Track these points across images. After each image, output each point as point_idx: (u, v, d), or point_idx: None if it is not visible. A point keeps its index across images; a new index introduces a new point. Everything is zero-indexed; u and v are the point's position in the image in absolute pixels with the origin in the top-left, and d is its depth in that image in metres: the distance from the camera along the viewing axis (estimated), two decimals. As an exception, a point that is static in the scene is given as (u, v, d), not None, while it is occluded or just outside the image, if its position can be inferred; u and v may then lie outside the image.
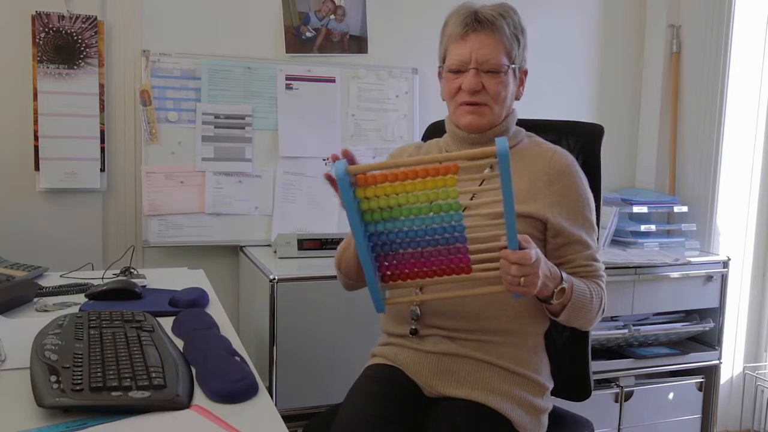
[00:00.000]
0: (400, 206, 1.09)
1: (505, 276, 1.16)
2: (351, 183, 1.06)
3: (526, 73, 1.44)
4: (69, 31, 2.18)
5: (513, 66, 1.38)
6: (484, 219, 1.17)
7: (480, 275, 1.19)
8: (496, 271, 1.18)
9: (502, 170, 1.04)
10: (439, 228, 1.11)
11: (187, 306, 1.44)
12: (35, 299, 1.50)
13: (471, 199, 1.33)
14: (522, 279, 1.15)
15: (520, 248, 1.15)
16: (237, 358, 1.11)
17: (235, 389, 0.98)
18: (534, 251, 1.15)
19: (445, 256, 1.15)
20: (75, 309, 1.42)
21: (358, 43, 2.54)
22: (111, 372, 0.96)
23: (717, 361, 2.67)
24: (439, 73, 1.47)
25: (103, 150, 2.26)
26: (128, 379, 0.94)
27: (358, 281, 1.44)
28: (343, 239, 2.24)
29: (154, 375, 0.97)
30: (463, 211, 1.11)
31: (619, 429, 2.53)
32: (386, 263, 1.18)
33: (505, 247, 1.15)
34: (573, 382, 1.59)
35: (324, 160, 2.49)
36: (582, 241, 1.37)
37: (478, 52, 1.34)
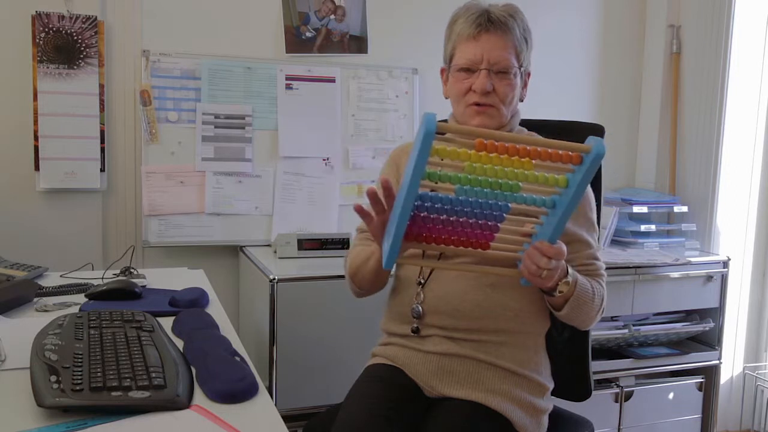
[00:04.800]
0: (468, 176, 1.06)
1: (530, 265, 1.17)
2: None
3: (529, 75, 1.44)
4: (69, 31, 2.18)
5: (521, 68, 1.39)
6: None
7: (493, 254, 1.18)
8: (510, 253, 1.19)
9: (589, 171, 1.03)
10: (485, 203, 1.09)
11: (187, 306, 1.44)
12: (35, 299, 1.50)
13: None
14: (545, 272, 1.17)
15: None
16: (237, 358, 1.11)
17: (235, 389, 0.98)
18: (565, 248, 1.17)
19: (473, 229, 1.13)
20: (75, 309, 1.42)
21: (358, 43, 2.53)
22: (111, 372, 0.96)
23: (717, 361, 2.67)
24: (442, 71, 1.47)
25: (103, 150, 2.26)
26: (128, 379, 0.94)
27: (371, 291, 1.46)
28: (344, 239, 2.26)
29: (154, 375, 0.97)
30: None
31: (619, 429, 2.53)
32: (409, 221, 1.13)
33: (530, 235, 1.16)
34: (573, 382, 1.59)
35: (324, 160, 2.49)
36: (583, 240, 1.37)
37: (490, 53, 1.34)
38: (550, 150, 1.04)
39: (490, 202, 1.09)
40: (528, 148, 1.04)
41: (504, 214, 1.11)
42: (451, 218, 1.12)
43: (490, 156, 1.04)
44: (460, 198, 1.08)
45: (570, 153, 1.04)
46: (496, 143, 1.03)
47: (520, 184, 1.07)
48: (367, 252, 1.39)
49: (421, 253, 1.32)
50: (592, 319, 1.37)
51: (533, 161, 1.04)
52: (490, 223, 1.12)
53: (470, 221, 1.12)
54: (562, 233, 1.15)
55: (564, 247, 1.17)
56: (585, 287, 1.31)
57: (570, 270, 1.27)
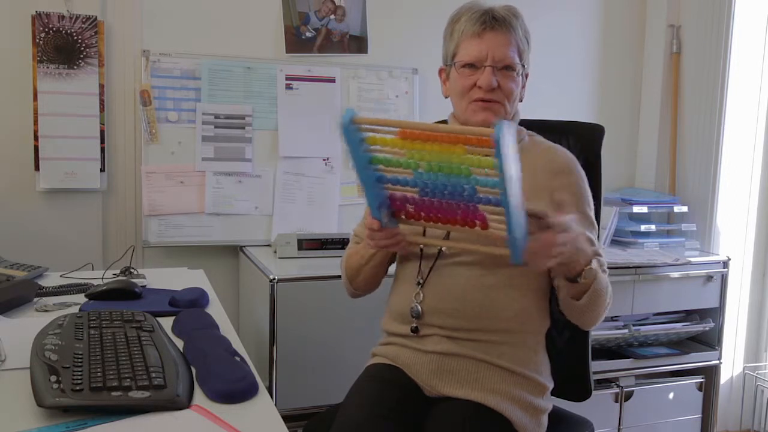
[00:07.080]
0: (408, 160, 1.12)
1: (544, 259, 1.17)
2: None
3: (527, 76, 1.45)
4: (69, 31, 2.18)
5: (524, 67, 1.40)
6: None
7: (494, 233, 1.17)
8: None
9: (502, 155, 1.01)
10: (445, 183, 1.12)
11: (187, 306, 1.44)
12: (35, 299, 1.50)
13: None
14: (558, 254, 1.16)
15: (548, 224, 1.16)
16: (237, 358, 1.11)
17: (235, 389, 0.98)
18: (567, 218, 1.18)
19: (454, 209, 1.16)
20: (75, 309, 1.42)
21: (358, 43, 2.53)
22: (111, 372, 0.96)
23: (717, 361, 2.67)
24: (441, 71, 1.47)
25: (103, 150, 2.26)
26: (128, 379, 0.94)
27: (367, 291, 1.52)
28: (344, 239, 2.26)
29: (154, 375, 0.97)
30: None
31: (619, 429, 2.53)
32: (398, 201, 1.21)
33: (540, 218, 1.18)
34: (573, 382, 1.58)
35: (324, 160, 2.49)
36: (585, 238, 1.37)
37: (495, 50, 1.35)
38: (468, 135, 1.06)
39: (451, 182, 1.11)
40: (442, 134, 1.08)
41: (473, 196, 1.12)
42: (424, 198, 1.16)
43: (423, 143, 1.09)
44: (425, 179, 1.13)
45: (481, 138, 1.04)
46: (417, 132, 1.08)
47: (470, 167, 1.09)
48: (366, 255, 1.44)
49: (422, 231, 1.34)
50: (600, 316, 1.36)
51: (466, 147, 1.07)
52: (469, 204, 1.14)
53: (444, 201, 1.16)
54: (522, 216, 1.12)
55: (565, 219, 1.17)
56: (601, 279, 1.31)
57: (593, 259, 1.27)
